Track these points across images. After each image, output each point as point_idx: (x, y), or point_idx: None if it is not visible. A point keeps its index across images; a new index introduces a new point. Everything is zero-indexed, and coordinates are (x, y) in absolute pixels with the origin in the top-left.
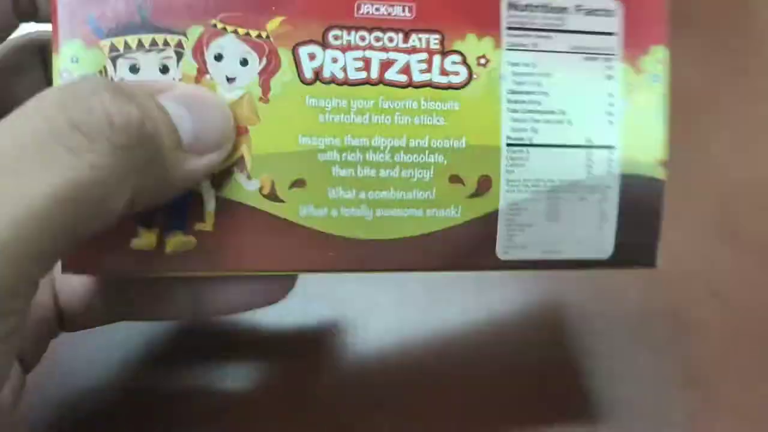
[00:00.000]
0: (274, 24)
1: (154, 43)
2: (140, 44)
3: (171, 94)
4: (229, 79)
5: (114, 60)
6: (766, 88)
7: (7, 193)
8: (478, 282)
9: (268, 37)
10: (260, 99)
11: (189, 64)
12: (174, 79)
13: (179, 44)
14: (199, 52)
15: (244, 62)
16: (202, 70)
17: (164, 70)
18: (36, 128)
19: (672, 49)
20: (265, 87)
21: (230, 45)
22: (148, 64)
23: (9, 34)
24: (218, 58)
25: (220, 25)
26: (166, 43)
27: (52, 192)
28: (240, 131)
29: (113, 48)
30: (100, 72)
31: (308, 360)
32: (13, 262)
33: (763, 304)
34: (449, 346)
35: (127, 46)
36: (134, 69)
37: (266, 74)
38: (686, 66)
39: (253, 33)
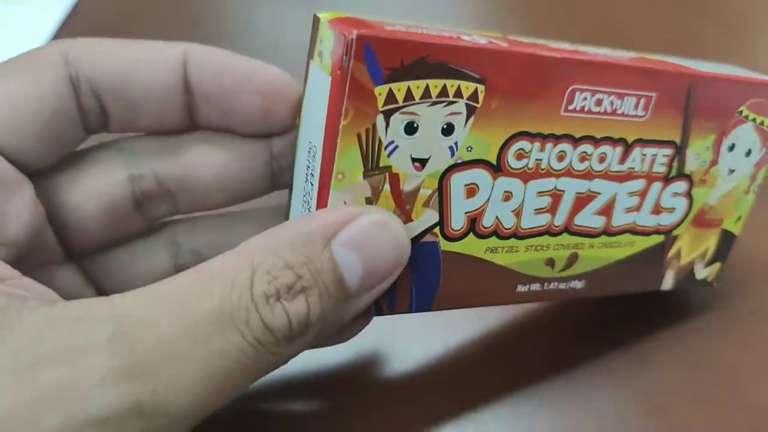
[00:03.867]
0: None
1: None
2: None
3: (346, 237)
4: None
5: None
6: None
7: (208, 371)
8: None
9: None
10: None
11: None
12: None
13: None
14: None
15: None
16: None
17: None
18: (228, 316)
19: None
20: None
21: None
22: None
23: (76, 147)
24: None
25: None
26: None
27: (243, 374)
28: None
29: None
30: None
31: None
32: (190, 422)
33: None
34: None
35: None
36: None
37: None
38: None
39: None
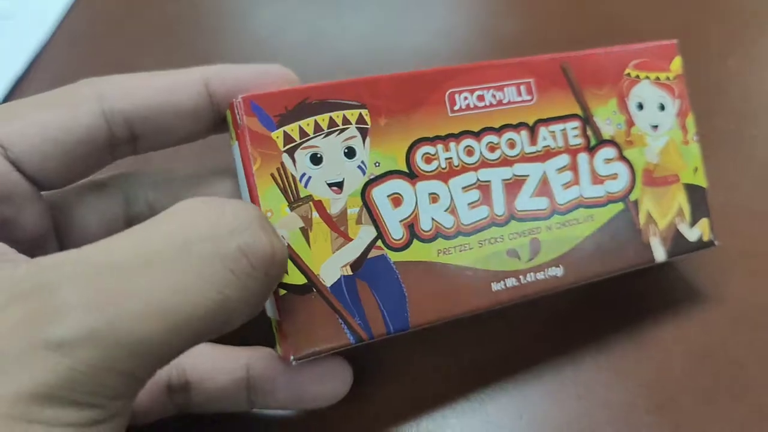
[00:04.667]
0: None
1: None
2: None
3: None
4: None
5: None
6: None
7: (168, 301)
8: None
9: (675, 78)
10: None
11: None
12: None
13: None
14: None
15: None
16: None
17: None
18: (204, 246)
19: None
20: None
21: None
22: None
23: (99, 170)
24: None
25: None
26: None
27: (207, 307)
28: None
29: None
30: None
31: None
32: (151, 359)
33: None
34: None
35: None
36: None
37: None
38: None
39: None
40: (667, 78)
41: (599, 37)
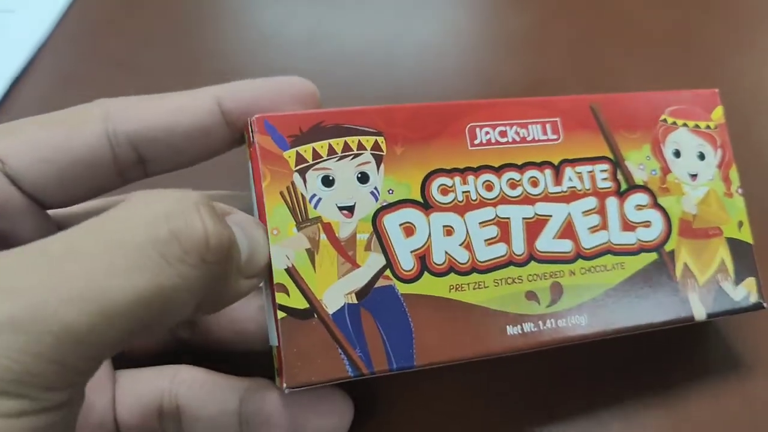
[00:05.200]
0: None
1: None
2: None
3: (234, 218)
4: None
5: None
6: None
7: (95, 286)
8: None
9: (717, 127)
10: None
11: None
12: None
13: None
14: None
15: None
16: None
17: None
18: (136, 232)
19: None
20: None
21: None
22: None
23: (110, 191)
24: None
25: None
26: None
27: (137, 293)
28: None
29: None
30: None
31: None
32: (82, 347)
33: None
34: None
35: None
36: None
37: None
38: None
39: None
40: (708, 127)
41: (609, 32)
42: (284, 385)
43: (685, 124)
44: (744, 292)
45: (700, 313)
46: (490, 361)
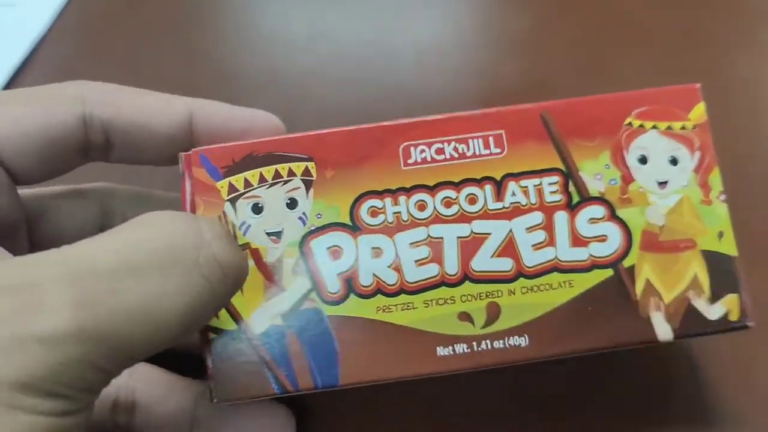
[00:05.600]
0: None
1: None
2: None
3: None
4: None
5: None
6: None
7: (152, 305)
8: None
9: (695, 127)
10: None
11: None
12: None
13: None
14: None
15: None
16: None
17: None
18: (184, 255)
19: None
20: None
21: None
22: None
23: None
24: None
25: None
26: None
27: (185, 312)
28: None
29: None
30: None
31: None
32: (129, 358)
33: None
34: None
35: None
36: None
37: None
38: None
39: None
40: (683, 128)
41: (611, 32)
42: (214, 399)
43: (654, 127)
44: (722, 311)
45: (665, 333)
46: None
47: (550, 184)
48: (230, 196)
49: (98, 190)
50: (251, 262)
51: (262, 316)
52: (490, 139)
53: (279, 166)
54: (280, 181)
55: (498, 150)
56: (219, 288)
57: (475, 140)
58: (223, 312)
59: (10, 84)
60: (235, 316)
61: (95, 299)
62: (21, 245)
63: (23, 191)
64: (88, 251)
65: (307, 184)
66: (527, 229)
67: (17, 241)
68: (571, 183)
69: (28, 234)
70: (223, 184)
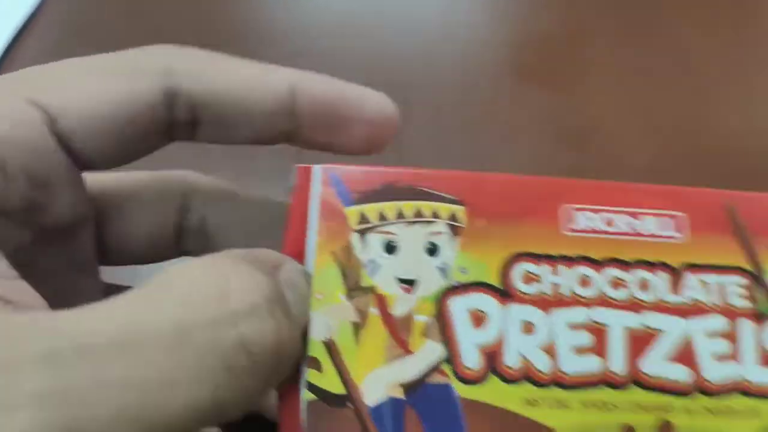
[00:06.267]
0: None
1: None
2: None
3: (287, 277)
4: None
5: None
6: None
7: (150, 402)
8: None
9: None
10: None
11: None
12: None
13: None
14: None
15: None
16: None
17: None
18: (200, 333)
19: None
20: None
21: None
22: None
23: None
24: None
25: None
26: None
27: (193, 405)
28: None
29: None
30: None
31: None
32: None
33: None
34: None
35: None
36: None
37: None
38: None
39: None
40: None
41: (642, 31)
42: None
43: None
44: None
45: None
46: None
47: (735, 285)
48: (360, 227)
49: (181, 180)
50: (374, 311)
51: (379, 382)
52: (670, 220)
53: (422, 204)
54: (421, 221)
55: (678, 234)
56: (246, 380)
57: (651, 218)
58: (328, 367)
59: (17, 39)
60: (344, 376)
61: (71, 392)
62: (84, 248)
63: (98, 179)
64: (83, 325)
65: (453, 231)
66: (708, 333)
67: (78, 241)
68: (758, 289)
69: (97, 232)
70: (352, 212)
